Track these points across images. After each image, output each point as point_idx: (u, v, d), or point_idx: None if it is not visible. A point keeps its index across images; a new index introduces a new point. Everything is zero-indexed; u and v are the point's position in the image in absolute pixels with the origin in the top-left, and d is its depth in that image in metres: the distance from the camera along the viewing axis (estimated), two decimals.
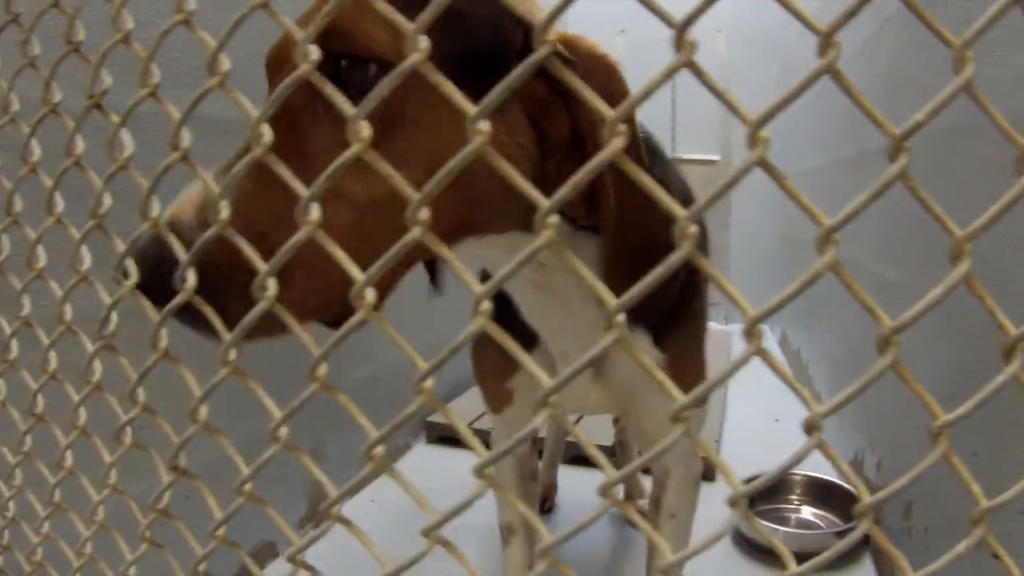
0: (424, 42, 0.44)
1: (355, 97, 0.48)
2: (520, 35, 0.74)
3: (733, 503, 0.45)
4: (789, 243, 4.09)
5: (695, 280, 1.16)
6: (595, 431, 2.44)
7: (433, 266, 1.12)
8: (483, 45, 0.73)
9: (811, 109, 3.25)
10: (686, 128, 4.90)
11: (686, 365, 1.17)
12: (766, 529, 0.48)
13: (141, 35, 0.68)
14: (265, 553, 1.96)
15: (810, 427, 0.45)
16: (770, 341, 4.45)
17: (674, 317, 1.12)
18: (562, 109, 0.78)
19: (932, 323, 1.63)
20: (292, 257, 0.51)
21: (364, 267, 0.47)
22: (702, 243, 1.08)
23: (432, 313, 2.73)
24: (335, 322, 0.70)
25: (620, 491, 2.26)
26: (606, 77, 0.79)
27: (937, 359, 1.60)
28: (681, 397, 0.44)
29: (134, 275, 0.65)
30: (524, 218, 0.85)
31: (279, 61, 0.81)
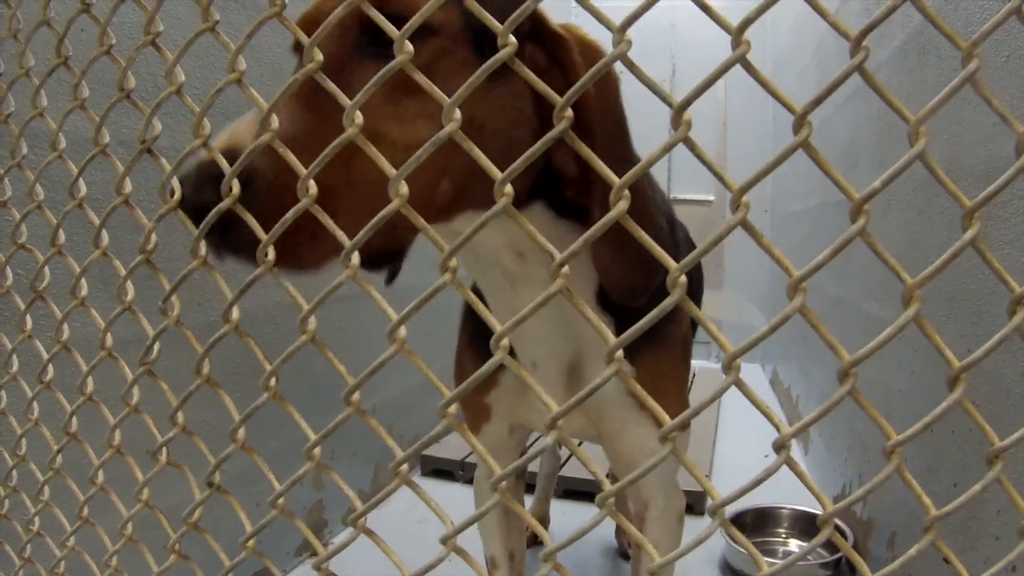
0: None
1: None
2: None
3: (712, 512, 0.52)
4: (781, 282, 4.15)
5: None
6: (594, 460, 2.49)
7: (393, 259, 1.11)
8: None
9: (805, 155, 3.33)
10: (682, 169, 4.99)
11: (658, 382, 1.15)
12: (742, 537, 0.54)
13: (192, 81, 0.75)
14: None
15: (779, 447, 0.52)
16: (761, 379, 4.52)
17: (649, 333, 1.14)
18: (560, 78, 0.82)
19: (919, 360, 1.70)
20: (335, 181, 0.60)
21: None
22: (696, 277, 1.13)
23: (431, 348, 2.80)
24: (374, 262, 0.73)
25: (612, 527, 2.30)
26: (591, 50, 0.86)
27: (923, 394, 1.67)
28: (665, 418, 0.51)
29: (178, 192, 0.70)
30: (519, 191, 0.92)
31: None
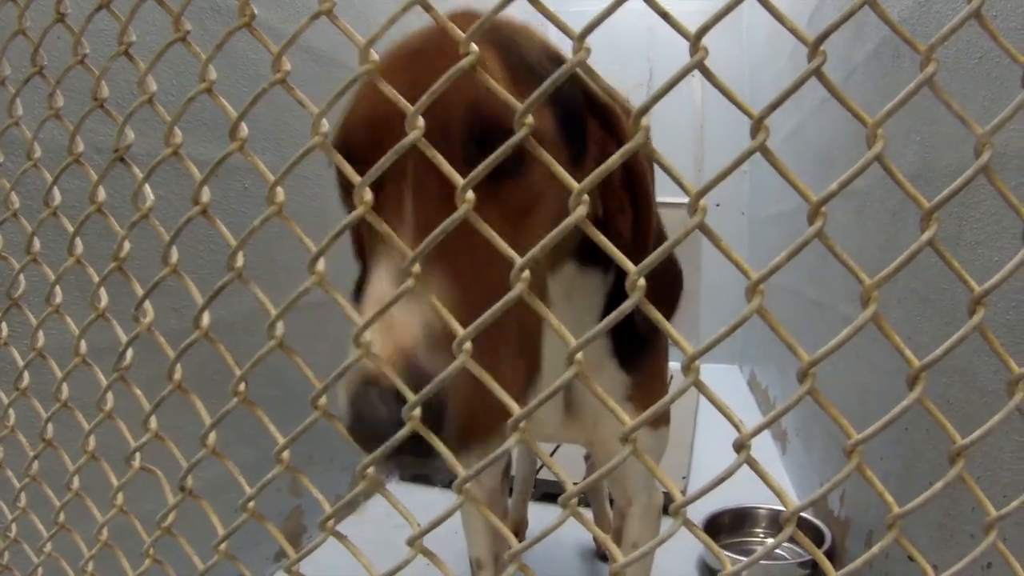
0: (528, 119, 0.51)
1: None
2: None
3: (674, 512, 0.53)
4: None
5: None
6: (567, 468, 2.50)
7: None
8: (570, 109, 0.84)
9: (779, 157, 3.36)
10: (660, 172, 4.99)
11: (650, 385, 1.23)
12: (704, 535, 0.55)
13: (164, 88, 0.76)
14: None
15: (739, 446, 0.53)
16: (739, 380, 4.55)
17: (639, 343, 1.19)
18: (614, 146, 0.87)
19: (894, 361, 1.71)
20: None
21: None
22: (674, 284, 1.18)
23: None
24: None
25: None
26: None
27: (898, 394, 1.69)
28: (625, 419, 0.52)
29: (347, 414, 0.58)
30: (577, 250, 0.99)
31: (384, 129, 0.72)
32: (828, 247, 0.55)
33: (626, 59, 4.85)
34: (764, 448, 3.02)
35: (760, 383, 4.05)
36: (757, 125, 0.51)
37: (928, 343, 1.45)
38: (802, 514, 2.16)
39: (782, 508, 1.96)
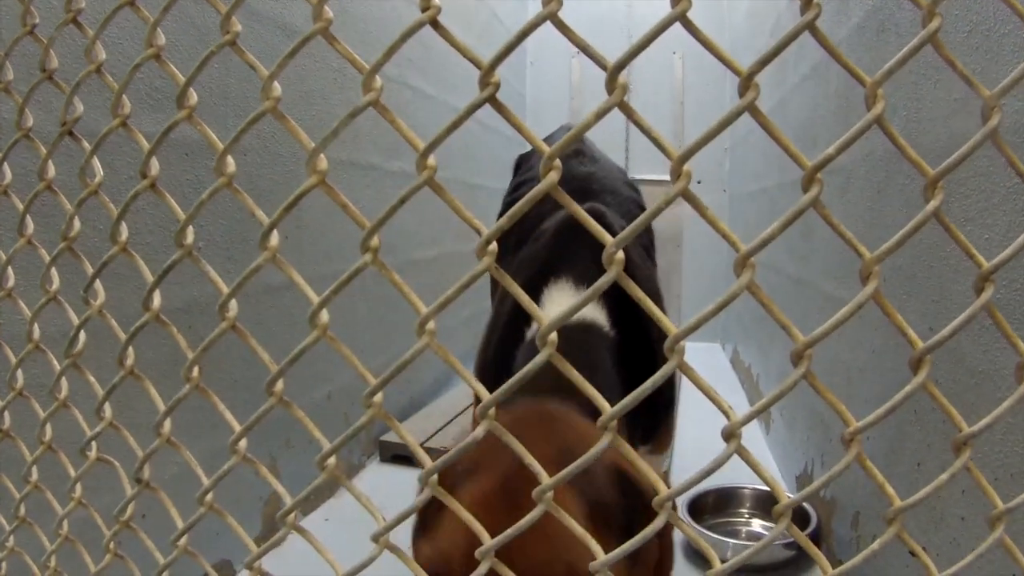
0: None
1: None
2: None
3: (658, 506, 0.49)
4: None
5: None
6: None
7: None
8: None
9: (762, 134, 3.33)
10: (640, 150, 4.96)
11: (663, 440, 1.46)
12: (690, 529, 0.52)
13: (113, 60, 0.72)
14: (223, 572, 1.97)
15: (728, 435, 0.49)
16: (721, 358, 4.53)
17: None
18: (656, 545, 0.93)
19: (879, 338, 1.69)
20: None
21: None
22: (649, 273, 1.20)
23: (387, 334, 2.77)
24: None
25: None
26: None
27: (883, 372, 1.66)
28: (605, 406, 0.48)
29: None
30: None
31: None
32: (823, 216, 0.51)
33: (606, 37, 4.81)
34: (747, 427, 2.98)
35: (743, 361, 4.03)
36: (746, 83, 0.47)
37: (914, 322, 1.43)
38: (787, 495, 2.15)
39: (767, 488, 1.96)
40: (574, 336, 1.23)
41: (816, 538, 1.98)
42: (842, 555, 1.88)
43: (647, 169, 4.87)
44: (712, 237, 4.60)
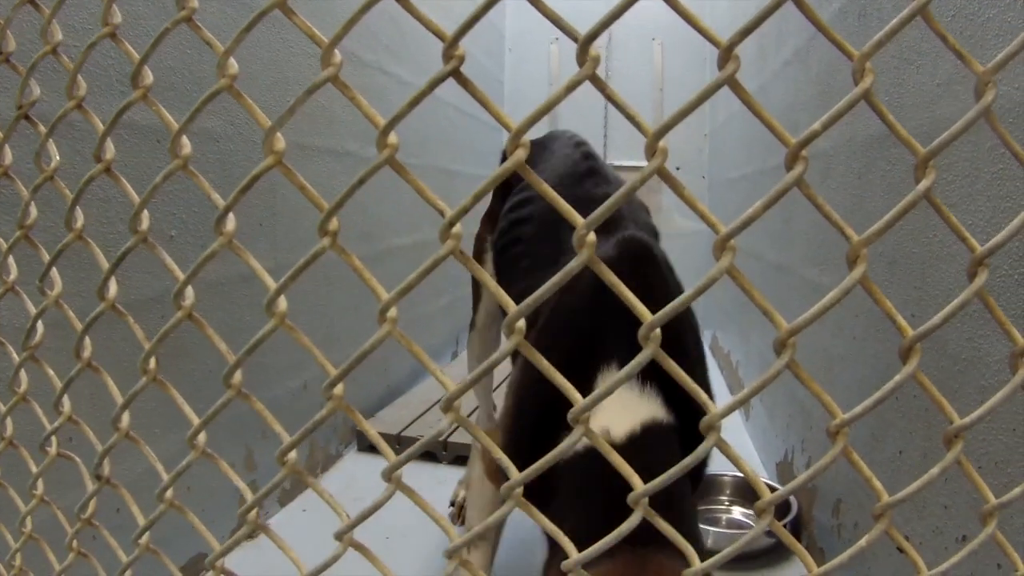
0: None
1: None
2: None
3: (633, 503, 0.47)
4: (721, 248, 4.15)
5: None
6: None
7: None
8: None
9: (742, 120, 3.32)
10: (618, 135, 4.94)
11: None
12: (667, 526, 0.50)
13: (71, 42, 0.69)
14: (199, 566, 1.94)
15: (707, 427, 0.47)
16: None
17: None
18: None
19: (860, 325, 1.68)
20: None
21: None
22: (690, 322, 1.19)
23: (362, 323, 2.74)
24: None
25: None
26: None
27: (865, 359, 1.65)
28: (577, 397, 0.46)
29: None
30: None
31: None
32: (808, 196, 0.49)
33: (586, 24, 4.79)
34: (728, 424, 2.96)
35: (722, 347, 4.02)
36: (726, 55, 0.45)
37: (896, 309, 1.41)
38: (768, 482, 2.14)
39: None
40: (640, 445, 1.08)
41: (797, 526, 1.97)
42: (823, 543, 1.87)
43: (625, 156, 4.85)
44: (690, 218, 4.52)
